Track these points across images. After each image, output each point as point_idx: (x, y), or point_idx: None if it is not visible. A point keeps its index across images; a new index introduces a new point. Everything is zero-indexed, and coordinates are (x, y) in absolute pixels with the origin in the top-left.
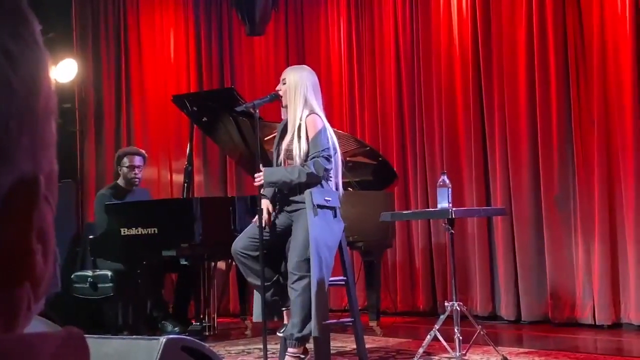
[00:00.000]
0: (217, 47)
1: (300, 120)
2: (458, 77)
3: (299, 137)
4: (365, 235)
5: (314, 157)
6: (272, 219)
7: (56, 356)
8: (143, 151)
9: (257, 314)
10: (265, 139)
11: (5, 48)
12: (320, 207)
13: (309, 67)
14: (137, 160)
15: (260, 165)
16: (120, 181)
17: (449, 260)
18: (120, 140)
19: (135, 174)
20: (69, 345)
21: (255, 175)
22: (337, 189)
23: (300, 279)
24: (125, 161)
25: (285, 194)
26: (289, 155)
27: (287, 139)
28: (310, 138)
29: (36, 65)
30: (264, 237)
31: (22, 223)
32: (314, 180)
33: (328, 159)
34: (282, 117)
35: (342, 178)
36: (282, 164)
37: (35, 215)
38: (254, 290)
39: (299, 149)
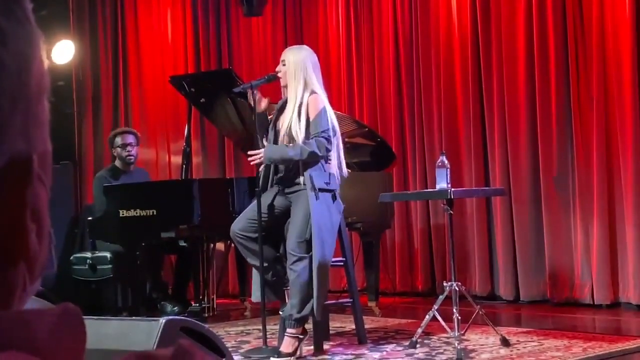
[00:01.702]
0: (214, 28)
1: (302, 100)
2: (457, 58)
3: (300, 116)
4: (364, 216)
5: (314, 138)
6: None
7: (53, 332)
8: (135, 130)
9: (255, 295)
10: None
11: None
12: (321, 190)
13: (308, 47)
14: (129, 138)
15: (264, 142)
16: (117, 162)
17: (447, 240)
18: (118, 121)
19: (129, 151)
20: (66, 321)
21: (250, 153)
22: (340, 170)
23: (299, 260)
24: (118, 140)
25: (282, 176)
26: (291, 135)
27: (287, 119)
28: (311, 119)
29: (28, 42)
30: (262, 219)
31: (15, 202)
32: (315, 158)
33: (328, 140)
34: (283, 96)
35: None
36: (284, 143)
37: (29, 195)
38: (253, 270)
39: (300, 128)
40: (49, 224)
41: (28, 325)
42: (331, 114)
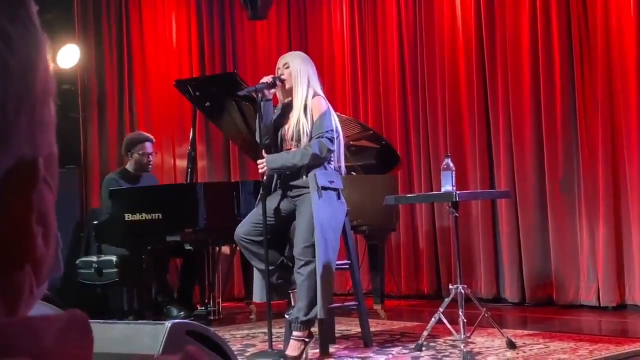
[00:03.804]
0: (219, 32)
1: (306, 101)
2: (461, 60)
3: (306, 117)
4: (369, 219)
5: (317, 138)
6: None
7: (59, 338)
8: (152, 136)
9: (257, 294)
10: None
11: (1, 28)
12: (324, 188)
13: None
14: (151, 147)
15: (263, 152)
16: (130, 166)
17: (453, 243)
18: (123, 125)
19: (150, 160)
20: (72, 327)
21: (258, 162)
22: (339, 171)
23: (306, 264)
24: (140, 147)
25: (286, 179)
26: (299, 136)
27: (293, 120)
28: (315, 119)
29: (33, 46)
30: (268, 222)
31: (21, 205)
32: (318, 161)
33: (332, 140)
34: (280, 101)
35: (346, 162)
36: (293, 147)
37: (35, 198)
38: (255, 271)
39: (307, 129)
40: (56, 226)
41: (34, 331)
42: (334, 115)
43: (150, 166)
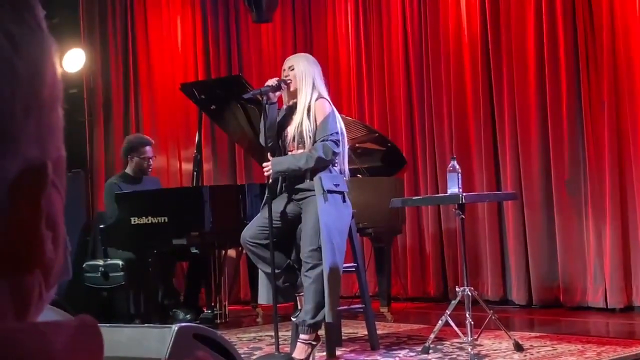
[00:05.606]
0: (224, 35)
1: (310, 103)
2: (466, 61)
3: (309, 119)
4: (375, 222)
5: (322, 141)
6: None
7: (69, 345)
8: (151, 139)
9: (262, 296)
10: None
11: (9, 32)
12: (330, 192)
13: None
14: (151, 151)
15: (269, 154)
16: (129, 169)
17: (459, 245)
18: (129, 129)
19: (150, 164)
20: (83, 333)
21: (264, 165)
22: (343, 174)
23: (313, 267)
24: (141, 152)
25: (292, 182)
26: (301, 137)
27: (296, 122)
28: (318, 122)
29: (40, 50)
30: (274, 226)
31: (30, 209)
32: (323, 164)
33: (336, 143)
34: (285, 103)
35: (351, 164)
36: (296, 149)
37: (44, 202)
38: (260, 273)
39: (310, 130)
40: (65, 230)
41: (45, 338)
42: (339, 118)
43: (151, 169)
